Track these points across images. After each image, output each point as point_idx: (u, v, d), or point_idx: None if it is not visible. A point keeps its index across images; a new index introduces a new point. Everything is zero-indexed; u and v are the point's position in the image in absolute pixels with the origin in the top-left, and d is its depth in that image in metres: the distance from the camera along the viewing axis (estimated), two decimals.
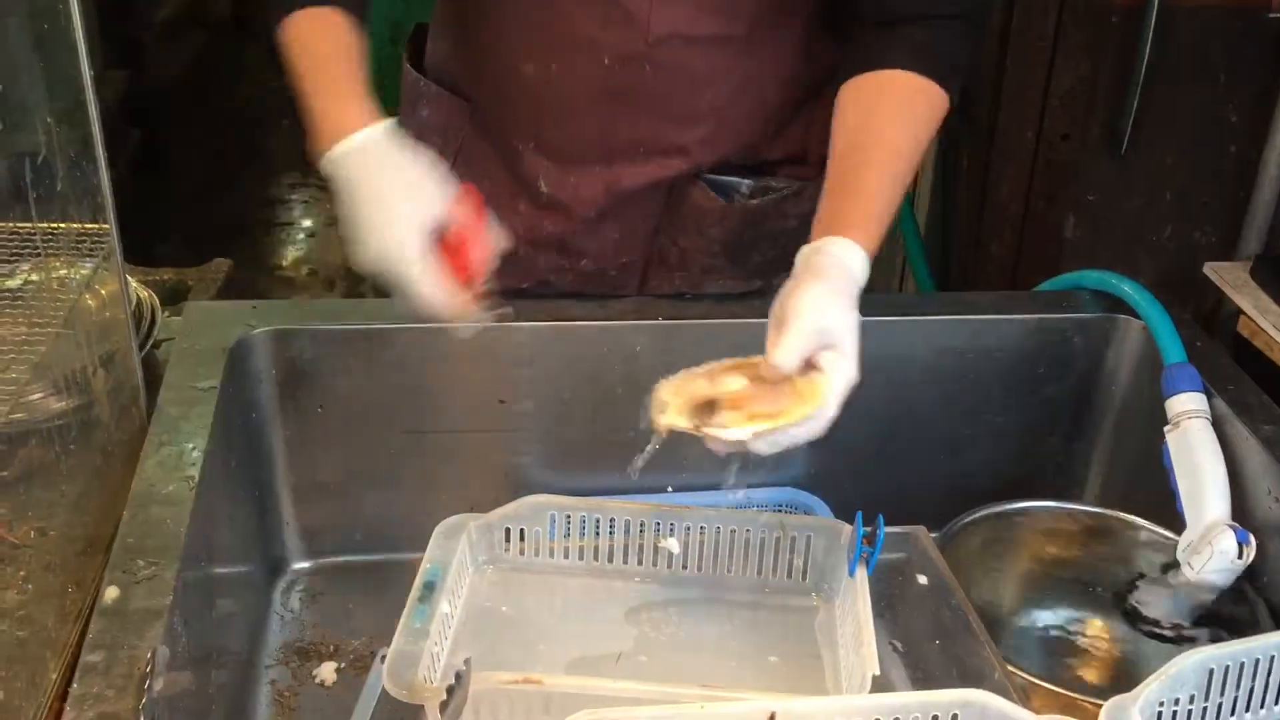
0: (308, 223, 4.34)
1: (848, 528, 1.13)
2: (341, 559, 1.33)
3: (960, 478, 1.38)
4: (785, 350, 1.01)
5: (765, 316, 1.12)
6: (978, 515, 1.24)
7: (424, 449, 1.31)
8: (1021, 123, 1.71)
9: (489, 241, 1.05)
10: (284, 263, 4.07)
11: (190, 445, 1.08)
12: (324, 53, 1.13)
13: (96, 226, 1.11)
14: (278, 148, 4.82)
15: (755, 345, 1.22)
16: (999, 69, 1.70)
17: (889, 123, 1.16)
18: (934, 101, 1.18)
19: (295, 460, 1.29)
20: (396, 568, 1.31)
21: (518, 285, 1.38)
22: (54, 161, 1.09)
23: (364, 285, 3.84)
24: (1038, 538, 1.27)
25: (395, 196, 1.04)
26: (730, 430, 1.01)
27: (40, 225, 1.11)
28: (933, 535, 1.19)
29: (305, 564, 1.32)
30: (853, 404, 1.34)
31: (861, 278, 1.09)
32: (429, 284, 1.02)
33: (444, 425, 1.31)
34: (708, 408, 1.04)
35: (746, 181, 1.32)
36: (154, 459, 1.06)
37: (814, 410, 1.01)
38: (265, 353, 1.24)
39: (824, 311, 1.03)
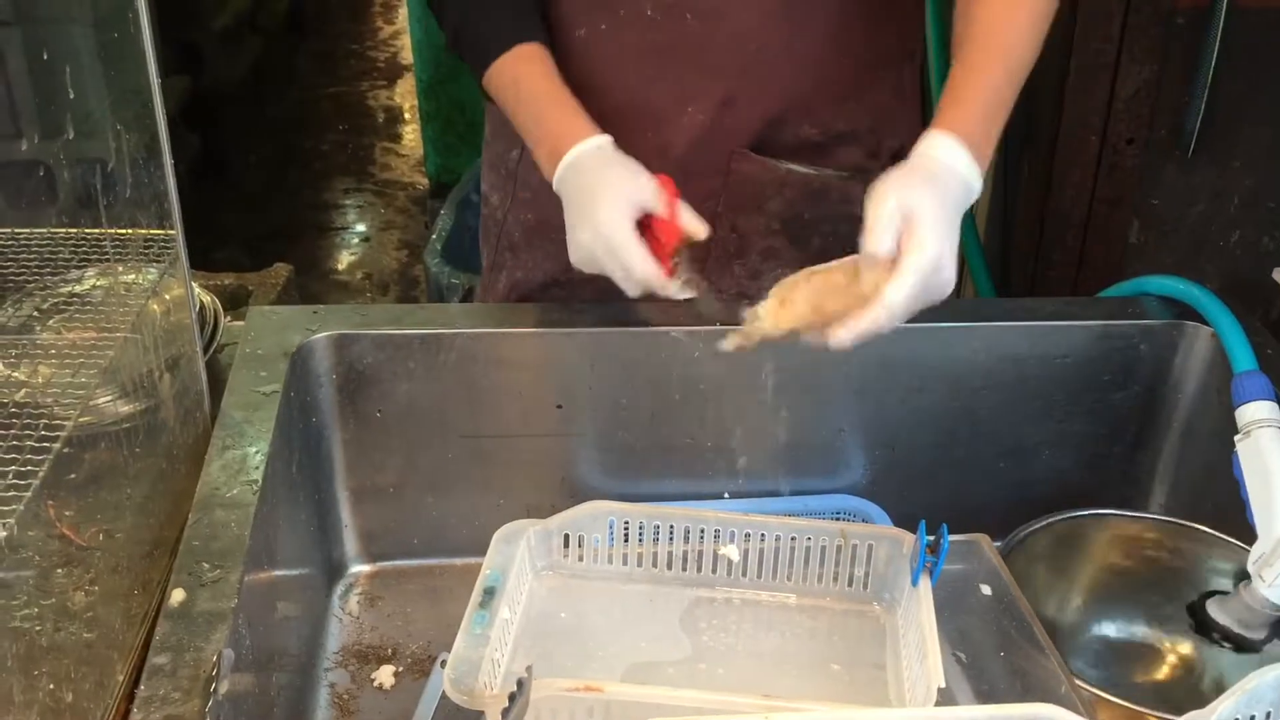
0: (361, 227, 4.38)
1: (910, 537, 1.12)
2: (399, 562, 1.34)
3: (1023, 486, 1.36)
4: (873, 236, 1.03)
5: None
6: (1042, 524, 1.22)
7: (481, 453, 1.32)
8: (1085, 127, 1.69)
9: (681, 226, 1.16)
10: (339, 267, 4.11)
11: (253, 449, 1.08)
12: (539, 86, 1.25)
13: (163, 232, 1.12)
14: (331, 152, 4.87)
15: (803, 353, 1.21)
16: (1062, 73, 1.68)
17: (1003, 20, 1.17)
18: None
19: (354, 464, 1.30)
20: (453, 572, 1.32)
21: (550, 276, 1.39)
22: (122, 168, 1.11)
23: (418, 290, 3.87)
24: (1104, 547, 1.25)
25: (605, 189, 1.16)
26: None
27: (109, 231, 1.12)
28: (995, 544, 1.18)
29: (363, 567, 1.33)
30: (912, 410, 1.34)
31: (953, 163, 1.09)
32: (636, 259, 1.13)
33: (501, 430, 1.31)
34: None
35: (803, 169, 1.32)
36: (218, 462, 1.07)
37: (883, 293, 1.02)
38: (326, 357, 1.25)
39: (902, 191, 1.04)
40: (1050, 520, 1.23)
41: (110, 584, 1.02)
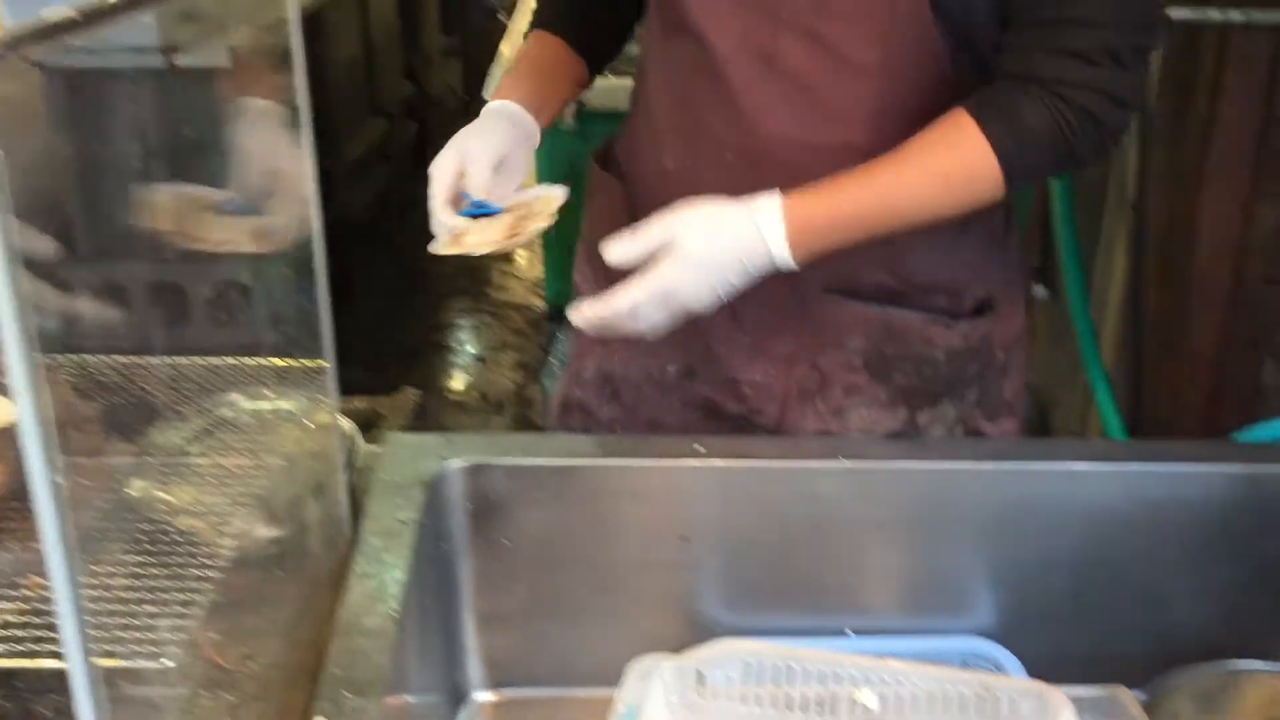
0: (475, 348, 4.48)
1: (1056, 694, 1.08)
2: (523, 691, 1.33)
3: (1162, 635, 1.31)
4: (624, 245, 1.18)
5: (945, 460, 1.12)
6: (1189, 675, 1.17)
7: (607, 584, 1.32)
8: (1218, 263, 1.67)
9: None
10: (456, 386, 4.19)
11: (391, 577, 1.11)
12: (521, 64, 1.42)
13: (315, 363, 1.16)
14: (448, 274, 5.01)
15: (934, 492, 1.21)
16: (1194, 208, 1.67)
17: (922, 159, 1.17)
18: (978, 170, 1.16)
19: (482, 591, 1.31)
20: (576, 703, 1.31)
21: (645, 372, 1.41)
22: (269, 293, 1.16)
23: (532, 411, 3.93)
24: (1257, 703, 1.19)
25: (465, 133, 1.31)
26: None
27: (261, 361, 1.17)
28: (1136, 695, 1.13)
29: (487, 695, 1.33)
30: (1043, 553, 1.31)
31: (762, 225, 1.16)
32: (437, 198, 1.27)
33: (628, 561, 1.31)
34: None
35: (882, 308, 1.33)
36: (358, 589, 1.09)
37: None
38: (460, 486, 1.27)
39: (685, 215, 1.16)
40: (1197, 670, 1.18)
41: (254, 709, 1.04)
